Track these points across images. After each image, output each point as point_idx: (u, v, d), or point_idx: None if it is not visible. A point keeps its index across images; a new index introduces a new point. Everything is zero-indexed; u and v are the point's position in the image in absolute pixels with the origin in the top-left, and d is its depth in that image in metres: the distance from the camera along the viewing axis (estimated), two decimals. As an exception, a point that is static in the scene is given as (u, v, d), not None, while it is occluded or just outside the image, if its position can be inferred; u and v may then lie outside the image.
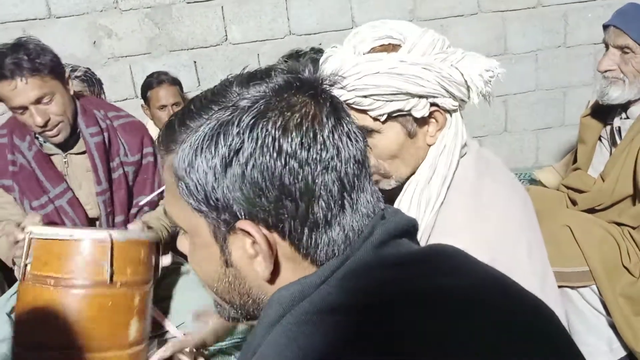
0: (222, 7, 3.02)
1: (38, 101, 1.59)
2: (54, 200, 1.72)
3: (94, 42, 2.97)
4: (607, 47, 1.77)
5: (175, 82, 2.72)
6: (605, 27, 1.77)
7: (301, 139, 0.54)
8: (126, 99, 3.07)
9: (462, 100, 1.05)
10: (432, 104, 1.03)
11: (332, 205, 0.56)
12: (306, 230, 0.56)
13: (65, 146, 1.75)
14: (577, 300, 1.73)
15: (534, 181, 2.35)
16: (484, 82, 1.03)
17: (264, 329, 0.57)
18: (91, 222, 1.82)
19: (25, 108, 1.59)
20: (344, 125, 0.58)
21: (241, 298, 0.63)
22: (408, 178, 1.10)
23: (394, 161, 1.08)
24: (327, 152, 0.55)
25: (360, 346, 0.50)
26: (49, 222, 1.70)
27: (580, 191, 1.88)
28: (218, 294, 0.65)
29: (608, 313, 1.68)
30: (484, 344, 0.52)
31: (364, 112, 1.02)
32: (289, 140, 0.54)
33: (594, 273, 1.65)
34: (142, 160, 1.88)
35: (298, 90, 0.57)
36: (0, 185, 1.72)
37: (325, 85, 0.60)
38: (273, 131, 0.54)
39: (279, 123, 0.54)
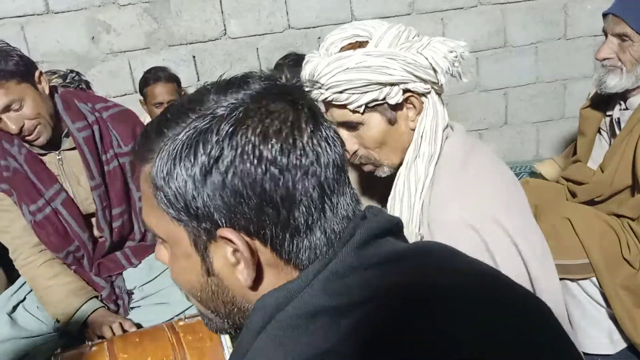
0: (220, 1, 3.01)
1: (7, 109, 1.55)
2: (50, 202, 1.70)
3: (93, 38, 2.96)
4: (606, 35, 1.76)
5: (172, 79, 2.70)
6: (605, 15, 1.77)
7: (281, 146, 0.54)
8: (125, 94, 3.07)
9: (433, 82, 1.12)
10: (405, 91, 1.11)
11: (313, 210, 0.57)
12: (287, 236, 0.57)
13: (57, 145, 1.72)
14: (577, 293, 1.73)
15: (534, 174, 2.35)
16: (449, 62, 1.10)
17: (250, 335, 0.57)
18: (88, 219, 1.80)
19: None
20: (323, 130, 0.58)
21: (225, 307, 0.63)
22: (401, 164, 1.19)
23: (383, 149, 1.17)
24: (307, 157, 0.55)
25: (345, 347, 0.50)
26: (49, 224, 1.71)
27: (579, 183, 1.87)
28: (202, 303, 0.65)
29: (609, 305, 1.68)
30: (470, 342, 0.52)
31: (344, 107, 1.12)
32: (269, 147, 0.54)
33: (594, 265, 1.65)
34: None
35: (276, 97, 0.58)
36: (0, 190, 1.70)
37: (303, 91, 0.61)
38: (253, 138, 0.54)
39: (258, 130, 0.54)
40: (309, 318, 0.53)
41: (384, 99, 1.10)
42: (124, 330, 1.61)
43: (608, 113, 1.88)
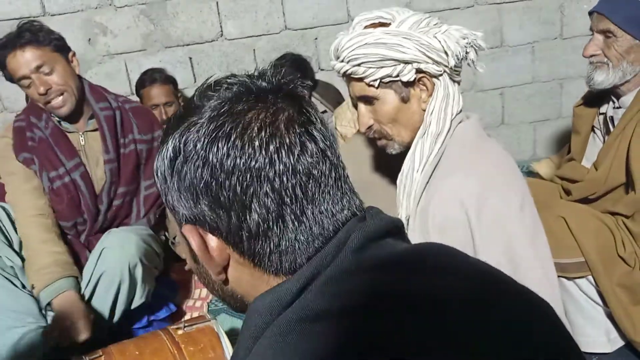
0: (217, 2, 3.01)
1: (38, 69, 1.72)
2: (69, 172, 1.83)
3: (89, 40, 2.96)
4: (593, 33, 1.81)
5: (169, 81, 2.70)
6: (590, 13, 1.83)
7: (228, 149, 0.54)
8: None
9: (445, 65, 1.19)
10: (418, 71, 1.19)
11: (269, 216, 0.56)
12: (244, 239, 0.57)
13: (82, 127, 1.89)
14: (574, 292, 1.73)
15: (531, 173, 2.35)
16: (460, 47, 1.18)
17: (248, 340, 0.57)
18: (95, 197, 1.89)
19: (28, 78, 1.73)
20: (285, 137, 0.56)
21: (218, 291, 0.66)
22: (411, 143, 1.26)
23: (395, 125, 1.26)
24: (256, 162, 0.55)
25: (344, 351, 0.49)
26: (66, 192, 1.82)
27: (573, 181, 1.88)
28: (204, 284, 0.68)
29: (605, 304, 1.68)
30: (470, 344, 0.52)
31: (361, 80, 1.22)
32: (215, 149, 0.55)
33: (589, 263, 1.65)
34: (154, 143, 1.97)
35: (242, 100, 0.57)
36: (22, 159, 1.82)
37: (282, 95, 0.59)
38: (202, 139, 0.55)
39: (208, 132, 0.55)
40: (307, 323, 0.53)
41: (398, 75, 1.18)
42: (83, 344, 1.58)
43: (601, 111, 1.89)
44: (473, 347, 0.51)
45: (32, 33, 1.73)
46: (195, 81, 3.14)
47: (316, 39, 3.11)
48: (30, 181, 1.82)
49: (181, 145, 0.56)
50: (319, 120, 0.60)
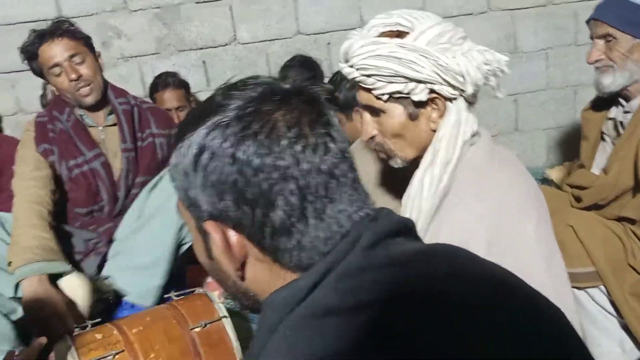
0: (230, 6, 3.03)
1: (71, 58, 1.85)
2: (88, 162, 1.91)
3: (103, 43, 2.98)
4: (593, 41, 1.83)
5: (181, 85, 2.72)
6: (587, 22, 1.84)
7: (256, 147, 0.57)
8: (135, 99, 3.09)
9: (461, 90, 1.11)
10: (431, 91, 1.11)
11: (293, 213, 0.58)
12: (268, 235, 0.59)
13: (102, 122, 1.98)
14: (586, 302, 1.71)
15: (545, 181, 2.33)
16: (481, 74, 1.10)
17: (263, 335, 0.59)
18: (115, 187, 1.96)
19: (60, 66, 1.84)
20: (310, 137, 0.59)
21: (232, 289, 0.67)
22: (416, 160, 1.19)
23: (399, 141, 1.18)
24: (283, 161, 0.57)
25: (355, 347, 0.50)
26: (84, 180, 1.90)
27: (583, 188, 1.86)
28: (217, 282, 0.69)
29: (619, 314, 1.66)
30: (478, 345, 0.52)
31: (369, 90, 1.14)
32: (244, 148, 0.57)
33: (600, 273, 1.63)
34: (170, 139, 1.95)
35: (266, 101, 0.60)
36: (42, 150, 1.89)
37: (302, 96, 0.62)
38: (231, 137, 0.57)
39: (238, 130, 0.57)
40: (319, 318, 0.54)
41: (408, 93, 1.11)
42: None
43: (610, 116, 1.88)
44: (481, 348, 0.52)
45: (66, 26, 1.89)
46: (208, 85, 3.15)
47: (329, 43, 3.11)
48: (39, 170, 1.86)
49: (208, 142, 0.58)
50: (336, 122, 0.63)
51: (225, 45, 3.10)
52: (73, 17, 2.88)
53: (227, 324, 1.55)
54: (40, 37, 1.86)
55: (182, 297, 1.58)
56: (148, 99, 2.15)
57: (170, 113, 2.62)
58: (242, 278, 0.63)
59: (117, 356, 1.35)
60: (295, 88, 0.62)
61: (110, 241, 1.90)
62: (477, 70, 1.08)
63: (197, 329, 1.48)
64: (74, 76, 1.84)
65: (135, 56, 3.05)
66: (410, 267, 0.59)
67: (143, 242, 1.81)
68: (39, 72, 1.92)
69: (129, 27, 2.99)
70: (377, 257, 0.59)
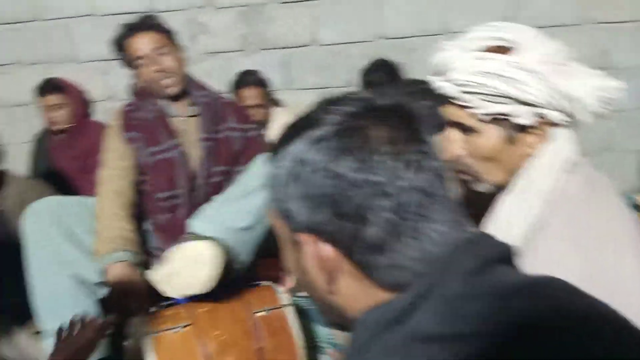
0: (314, 8, 3.04)
1: (157, 49, 1.92)
2: (168, 150, 1.97)
3: (191, 38, 3.07)
4: None
5: (262, 84, 2.76)
6: None
7: (353, 162, 0.56)
8: (217, 94, 3.17)
9: (571, 116, 1.01)
10: (536, 114, 1.01)
11: (388, 231, 0.57)
12: (361, 252, 0.58)
13: (183, 113, 2.03)
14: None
15: (636, 207, 2.18)
16: (596, 101, 0.99)
17: (354, 353, 0.58)
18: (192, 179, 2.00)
19: (145, 57, 1.91)
20: (409, 154, 0.58)
21: (318, 300, 0.66)
22: (504, 185, 1.08)
23: (488, 164, 1.07)
24: (379, 177, 0.56)
25: None
26: (164, 166, 1.95)
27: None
28: (307, 294, 0.68)
29: None
30: None
31: (464, 108, 1.04)
32: (342, 162, 0.57)
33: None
34: (248, 134, 2.09)
35: (366, 116, 0.59)
36: (128, 137, 1.97)
37: (402, 111, 0.61)
38: (330, 152, 0.57)
39: (335, 144, 0.57)
40: (417, 343, 0.53)
41: (512, 116, 1.01)
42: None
43: None
44: None
45: (154, 21, 1.97)
46: (288, 84, 3.19)
47: (410, 48, 3.06)
48: (122, 160, 1.96)
49: (306, 155, 0.59)
50: (432, 139, 0.62)
51: (305, 46, 3.12)
52: (163, 12, 3.01)
53: (289, 314, 1.66)
54: (128, 30, 1.95)
55: (249, 286, 1.68)
56: (227, 95, 2.18)
57: (249, 110, 2.67)
58: (332, 292, 0.62)
59: (184, 328, 1.57)
60: (393, 104, 0.62)
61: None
62: (592, 97, 0.98)
63: (260, 314, 1.61)
64: (158, 67, 1.91)
65: (219, 52, 3.13)
66: (515, 299, 0.56)
67: (243, 208, 1.81)
68: (126, 63, 2.00)
69: (215, 23, 3.07)
70: (481, 285, 0.56)
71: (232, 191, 1.88)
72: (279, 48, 3.13)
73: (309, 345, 1.74)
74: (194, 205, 1.97)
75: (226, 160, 2.03)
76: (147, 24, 1.95)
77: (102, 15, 3.11)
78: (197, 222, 1.76)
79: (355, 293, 0.61)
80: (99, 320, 1.40)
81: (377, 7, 3.02)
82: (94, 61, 3.22)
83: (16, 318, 1.80)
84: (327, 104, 0.62)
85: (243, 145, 2.07)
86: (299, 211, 0.60)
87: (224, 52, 3.12)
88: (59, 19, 3.16)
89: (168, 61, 1.94)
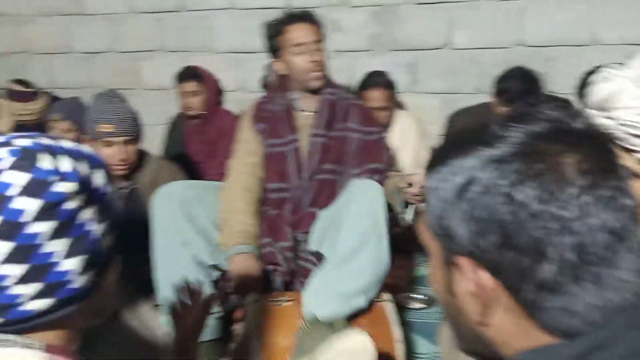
0: (450, 10, 2.94)
1: (315, 42, 1.98)
2: (285, 145, 2.01)
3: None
4: None
5: (389, 86, 2.71)
6: None
7: (538, 191, 0.50)
8: (343, 92, 3.17)
9: None
10: None
11: (565, 272, 0.50)
12: (529, 289, 0.51)
13: (310, 108, 2.06)
14: None
15: None
16: None
17: None
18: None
19: (304, 45, 1.96)
20: (604, 189, 0.50)
21: (466, 331, 0.60)
22: None
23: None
24: (567, 211, 0.49)
25: None
26: (278, 158, 2.00)
27: None
28: (448, 317, 0.64)
29: None
30: None
31: (630, 152, 0.93)
32: (524, 188, 0.50)
33: None
34: (369, 137, 2.07)
35: (556, 139, 0.52)
36: (257, 128, 2.04)
37: (595, 139, 0.53)
38: (510, 175, 0.51)
39: (518, 168, 0.51)
40: None
41: None
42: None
43: None
44: None
45: (315, 16, 2.05)
46: (413, 87, 3.12)
47: (551, 58, 2.87)
48: (252, 156, 2.02)
49: (480, 175, 0.53)
50: (626, 173, 0.54)
51: (437, 48, 3.03)
52: (298, 8, 3.07)
53: (389, 308, 1.70)
54: (291, 17, 2.01)
55: None
56: (355, 95, 2.18)
57: (374, 112, 2.64)
58: (482, 323, 0.57)
59: (286, 303, 1.76)
60: (588, 130, 0.54)
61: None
62: None
63: None
64: (316, 58, 1.96)
65: (349, 51, 3.13)
66: None
67: (354, 270, 1.71)
68: (274, 49, 2.03)
69: (347, 22, 3.07)
70: None
71: (338, 253, 1.73)
72: (409, 50, 3.07)
73: (409, 355, 1.75)
74: (300, 202, 1.98)
75: (337, 159, 2.01)
76: (311, 17, 2.02)
77: (241, 9, 3.24)
78: (316, 304, 1.68)
79: (511, 330, 0.55)
80: (206, 292, 1.46)
81: (519, 13, 2.86)
82: (229, 52, 3.36)
83: (140, 291, 1.91)
84: (508, 120, 0.55)
85: (361, 147, 2.04)
86: (461, 232, 0.54)
87: (353, 51, 3.12)
88: (200, 10, 3.33)
89: (321, 55, 2.00)
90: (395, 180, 1.95)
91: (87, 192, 0.65)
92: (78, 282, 0.64)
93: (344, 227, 1.73)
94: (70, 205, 0.62)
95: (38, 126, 3.07)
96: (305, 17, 2.02)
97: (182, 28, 3.41)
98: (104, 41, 3.58)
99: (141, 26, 3.48)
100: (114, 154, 1.95)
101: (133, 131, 1.99)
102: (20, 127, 3.33)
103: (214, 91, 3.26)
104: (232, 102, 3.40)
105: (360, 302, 1.70)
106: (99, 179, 0.68)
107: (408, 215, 1.88)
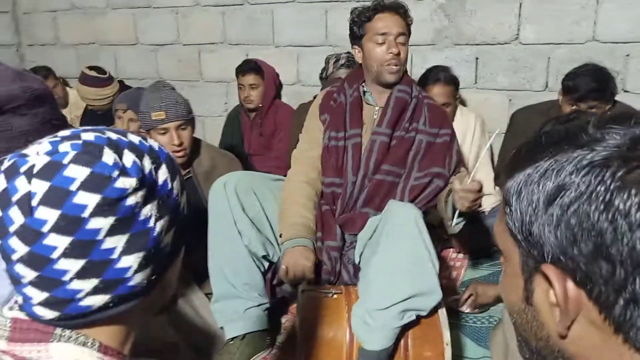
0: (520, 3, 2.82)
1: (397, 35, 1.92)
2: (347, 138, 1.97)
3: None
4: None
5: (452, 82, 2.64)
6: None
7: None
8: (402, 87, 3.11)
9: None
10: None
11: None
12: (620, 301, 0.47)
13: (380, 103, 2.01)
14: None
15: None
16: None
17: None
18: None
19: (386, 35, 1.92)
20: None
21: (537, 342, 0.57)
22: None
23: None
24: None
25: None
26: (335, 153, 1.96)
27: None
28: (516, 326, 0.60)
29: None
30: None
31: None
32: (625, 196, 0.46)
33: None
34: (437, 139, 2.00)
35: None
36: (323, 118, 2.03)
37: None
38: (609, 182, 0.47)
39: (619, 174, 0.47)
40: None
41: None
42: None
43: None
44: None
45: (405, 9, 1.99)
46: (475, 82, 3.02)
47: (628, 55, 2.70)
48: (315, 149, 2.01)
49: (575, 180, 0.49)
50: None
51: (504, 43, 2.91)
52: (356, 1, 3.03)
53: (441, 314, 1.68)
54: (382, 5, 1.96)
55: None
56: (430, 96, 2.10)
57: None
58: (563, 336, 0.53)
59: (335, 295, 1.74)
60: None
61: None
62: None
63: None
64: (395, 51, 1.92)
65: (410, 45, 3.04)
66: None
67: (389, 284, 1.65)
68: (357, 36, 1.99)
69: (412, 14, 3.00)
70: None
71: (371, 279, 1.67)
72: (473, 44, 2.97)
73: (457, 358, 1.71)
74: (353, 201, 1.93)
75: (397, 161, 1.94)
76: (400, 9, 1.97)
77: (303, 3, 3.23)
78: (363, 337, 1.64)
79: (597, 346, 0.51)
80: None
81: (593, 8, 2.70)
82: (289, 46, 3.36)
83: (194, 279, 1.94)
84: (607, 122, 0.51)
85: (427, 149, 1.97)
86: (551, 239, 0.51)
87: (416, 45, 3.04)
88: (264, 4, 3.35)
89: (403, 50, 1.95)
90: (452, 185, 1.81)
91: (149, 188, 0.62)
92: (136, 279, 0.62)
93: (378, 253, 1.66)
94: (131, 201, 0.60)
95: (107, 112, 3.18)
96: (395, 8, 1.97)
97: (244, 21, 3.44)
98: (169, 34, 3.67)
99: (205, 19, 3.54)
100: (169, 140, 1.99)
101: (184, 116, 2.01)
102: (91, 112, 3.47)
103: (273, 85, 3.28)
104: (291, 96, 3.41)
105: (408, 317, 1.64)
106: (162, 174, 0.66)
107: (455, 221, 1.75)
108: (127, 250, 0.60)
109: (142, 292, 0.64)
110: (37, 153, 0.59)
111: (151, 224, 0.63)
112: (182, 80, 3.70)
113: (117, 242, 0.60)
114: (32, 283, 0.59)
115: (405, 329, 1.66)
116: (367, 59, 1.97)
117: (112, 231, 0.59)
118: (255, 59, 3.27)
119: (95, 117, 3.45)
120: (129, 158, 0.61)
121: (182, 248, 0.71)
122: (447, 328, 1.67)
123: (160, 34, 3.70)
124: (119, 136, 0.65)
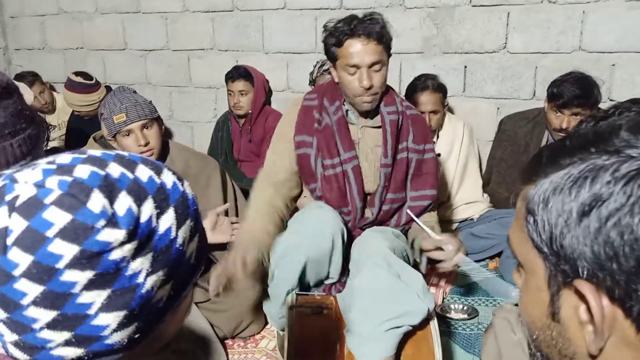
0: (508, 13, 2.85)
1: (371, 65, 1.77)
2: (343, 163, 1.89)
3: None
4: None
5: (440, 90, 2.66)
6: None
7: None
8: (391, 94, 3.12)
9: None
10: None
11: None
12: None
13: (363, 121, 1.93)
14: None
15: None
16: None
17: None
18: (365, 196, 1.92)
19: (357, 67, 1.78)
20: None
21: (558, 357, 0.54)
22: None
23: None
24: None
25: None
26: (335, 181, 1.89)
27: None
28: (536, 342, 0.56)
29: None
30: None
31: None
32: None
33: None
34: (425, 155, 1.96)
35: None
36: (300, 140, 1.91)
37: None
38: None
39: None
40: None
41: None
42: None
43: None
44: None
45: (380, 28, 1.77)
46: (464, 90, 3.05)
47: (613, 65, 2.74)
48: (283, 171, 1.95)
49: (615, 190, 0.46)
50: None
51: (492, 52, 2.94)
52: (351, 9, 3.04)
53: (433, 327, 1.66)
54: (353, 29, 1.76)
55: None
56: (412, 105, 2.05)
57: (424, 115, 2.59)
58: (593, 354, 0.50)
59: (325, 310, 1.71)
60: None
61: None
62: None
63: None
64: (366, 84, 1.77)
65: (399, 53, 3.07)
66: None
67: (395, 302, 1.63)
68: (332, 58, 1.84)
69: (401, 23, 3.02)
70: None
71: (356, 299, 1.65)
72: (462, 53, 2.99)
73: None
74: (362, 221, 1.91)
75: (398, 187, 1.92)
76: (374, 34, 1.75)
77: (293, 10, 3.24)
78: (357, 351, 1.61)
79: None
80: None
81: (580, 18, 2.74)
82: (279, 53, 3.36)
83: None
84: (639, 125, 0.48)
85: (417, 168, 1.94)
86: (584, 253, 0.47)
87: (404, 53, 3.07)
88: (254, 10, 3.35)
89: (377, 79, 1.80)
90: (420, 233, 1.83)
91: (143, 240, 0.54)
92: (114, 338, 0.55)
93: (357, 278, 1.66)
94: (115, 255, 0.52)
95: (94, 117, 3.16)
96: (368, 33, 1.74)
97: (234, 27, 3.44)
98: (158, 39, 3.66)
99: (194, 25, 3.53)
100: (135, 141, 1.92)
101: (146, 115, 1.93)
102: (78, 117, 3.44)
103: (263, 91, 3.28)
104: (280, 102, 3.41)
105: (404, 325, 1.62)
106: (166, 221, 0.57)
107: (423, 264, 1.83)
108: (105, 308, 0.53)
109: (123, 349, 0.57)
110: (25, 182, 0.54)
111: (140, 279, 0.55)
112: (171, 86, 3.69)
113: (95, 297, 0.53)
114: (3, 322, 0.54)
115: (398, 346, 1.62)
116: (341, 84, 1.86)
117: (90, 286, 0.52)
118: (245, 65, 3.27)
119: (82, 122, 3.43)
120: (123, 203, 0.54)
121: (181, 301, 0.62)
122: (440, 345, 1.63)
123: (149, 39, 3.68)
124: (124, 171, 0.56)
